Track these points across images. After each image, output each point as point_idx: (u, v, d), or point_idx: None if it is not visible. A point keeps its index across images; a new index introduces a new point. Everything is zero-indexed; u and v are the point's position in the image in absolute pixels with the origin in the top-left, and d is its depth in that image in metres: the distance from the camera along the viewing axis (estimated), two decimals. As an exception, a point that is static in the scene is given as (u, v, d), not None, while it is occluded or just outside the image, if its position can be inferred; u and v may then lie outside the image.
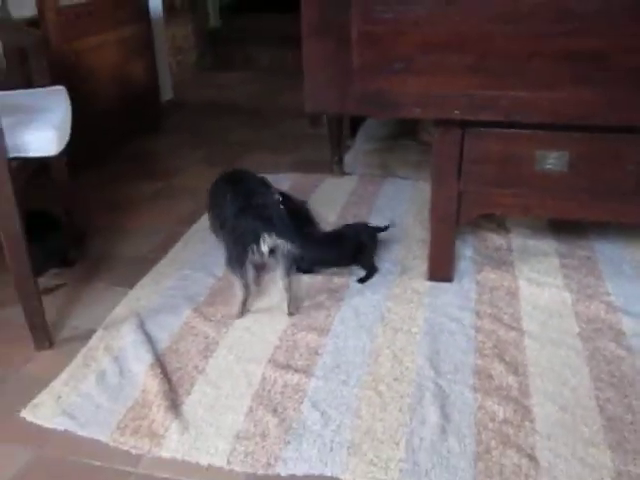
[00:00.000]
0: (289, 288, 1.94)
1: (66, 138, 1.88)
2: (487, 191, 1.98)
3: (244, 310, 1.95)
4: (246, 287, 1.93)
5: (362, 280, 2.12)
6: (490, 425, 1.52)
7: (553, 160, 1.86)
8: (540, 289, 2.04)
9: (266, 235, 1.80)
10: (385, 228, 2.28)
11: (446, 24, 1.68)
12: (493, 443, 1.47)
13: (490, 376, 1.68)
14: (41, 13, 2.82)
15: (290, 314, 1.95)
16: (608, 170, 1.86)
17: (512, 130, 1.86)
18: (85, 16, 3.09)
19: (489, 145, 1.90)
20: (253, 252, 1.82)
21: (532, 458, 1.42)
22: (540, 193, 1.95)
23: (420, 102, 1.78)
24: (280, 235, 1.81)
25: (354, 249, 2.18)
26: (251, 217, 1.83)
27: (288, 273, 1.93)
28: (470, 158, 1.92)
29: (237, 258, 1.86)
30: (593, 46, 1.64)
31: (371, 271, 2.15)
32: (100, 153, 3.16)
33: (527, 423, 1.52)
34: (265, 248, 1.81)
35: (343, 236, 2.23)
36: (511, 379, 1.66)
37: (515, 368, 1.70)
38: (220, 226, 2.00)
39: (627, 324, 1.86)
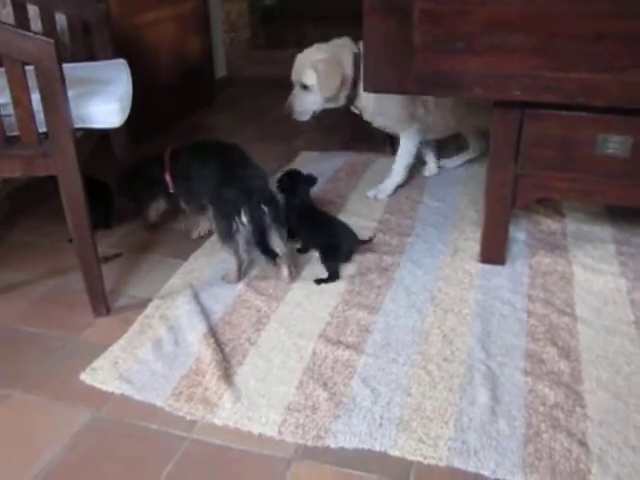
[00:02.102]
0: (287, 255, 1.99)
1: (128, 110, 1.91)
2: (545, 175, 1.95)
3: (240, 275, 2.04)
4: (238, 255, 1.99)
5: (320, 281, 2.02)
6: (540, 409, 1.51)
7: (615, 145, 1.82)
8: (595, 275, 2.01)
9: (246, 206, 1.89)
10: (370, 240, 2.16)
11: (513, 3, 1.65)
12: (543, 426, 1.46)
13: (541, 360, 1.67)
14: (103, -13, 2.87)
15: (291, 281, 2.01)
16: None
17: (573, 113, 1.82)
18: (144, -9, 3.13)
19: (549, 128, 1.87)
20: (236, 223, 1.90)
21: (583, 444, 1.42)
22: (600, 178, 1.91)
23: (481, 82, 1.75)
24: (259, 203, 1.89)
25: (331, 246, 2.10)
26: (233, 189, 1.91)
27: (282, 238, 1.97)
28: (529, 140, 1.89)
29: (226, 231, 1.94)
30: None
31: (333, 276, 2.03)
32: (157, 126, 3.21)
33: (578, 409, 1.51)
34: (245, 218, 1.89)
35: (332, 227, 2.16)
36: (563, 364, 1.65)
37: (567, 353, 1.69)
38: (202, 196, 2.07)
39: (685, 314, 1.82)
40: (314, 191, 2.32)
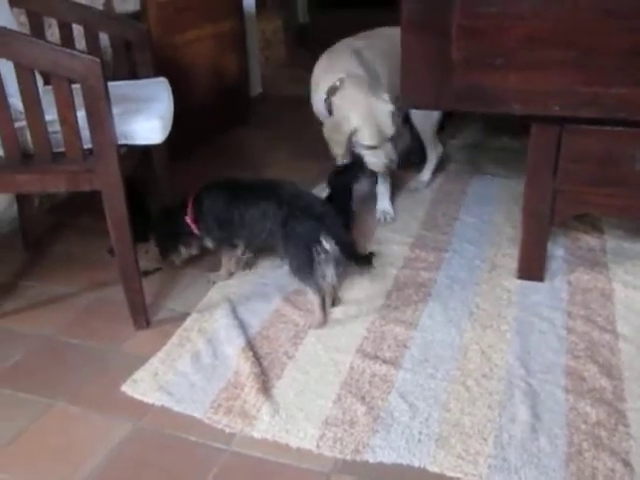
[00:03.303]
0: (336, 284, 1.95)
1: (169, 127, 1.95)
2: (584, 190, 1.93)
3: (327, 315, 1.92)
4: (320, 291, 1.88)
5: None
6: (582, 427, 1.49)
7: (655, 160, 1.80)
8: (636, 292, 1.98)
9: (324, 232, 1.81)
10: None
11: (551, 18, 1.65)
12: (585, 445, 1.44)
13: (582, 378, 1.65)
14: (143, 7, 2.95)
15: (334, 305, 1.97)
16: None
17: (612, 128, 1.81)
18: (184, 11, 3.19)
19: (588, 143, 1.86)
20: (318, 252, 1.81)
21: (627, 463, 1.39)
22: (639, 194, 1.89)
23: (520, 98, 1.76)
24: (333, 231, 1.83)
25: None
26: (304, 219, 1.84)
27: (337, 269, 1.88)
28: (567, 156, 1.88)
29: (305, 264, 1.84)
30: None
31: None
32: (194, 144, 3.25)
33: (621, 427, 1.49)
34: (328, 245, 1.81)
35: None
36: (604, 382, 1.63)
37: (609, 371, 1.66)
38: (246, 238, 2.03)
39: None
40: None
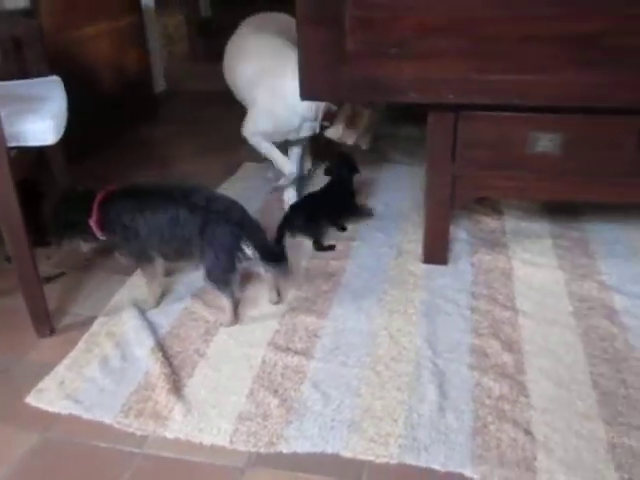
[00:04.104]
0: (274, 280, 1.96)
1: (62, 127, 1.89)
2: (481, 174, 2.00)
3: (237, 316, 1.90)
4: (234, 297, 1.88)
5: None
6: (487, 401, 1.55)
7: (546, 142, 1.88)
8: (534, 269, 2.07)
9: (245, 238, 1.77)
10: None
11: (440, 8, 1.70)
12: (490, 418, 1.50)
13: (486, 354, 1.71)
14: (34, 3, 2.82)
15: (276, 303, 1.96)
16: (601, 152, 1.89)
17: (505, 113, 1.88)
18: (78, 6, 3.09)
19: (482, 128, 1.93)
20: (240, 259, 1.78)
21: (528, 432, 1.46)
22: (534, 175, 1.98)
23: (415, 87, 1.80)
24: (253, 236, 1.79)
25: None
26: (223, 224, 1.78)
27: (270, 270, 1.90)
28: (464, 142, 1.95)
29: (224, 270, 1.80)
30: (589, 29, 1.66)
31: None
32: (96, 143, 3.16)
33: (523, 399, 1.56)
34: (250, 251, 1.78)
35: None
36: (506, 357, 1.70)
37: (510, 346, 1.74)
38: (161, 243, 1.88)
39: (619, 302, 1.90)
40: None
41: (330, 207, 2.38)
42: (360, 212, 2.48)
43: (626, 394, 1.56)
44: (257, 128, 2.43)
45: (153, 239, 1.86)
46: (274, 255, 1.85)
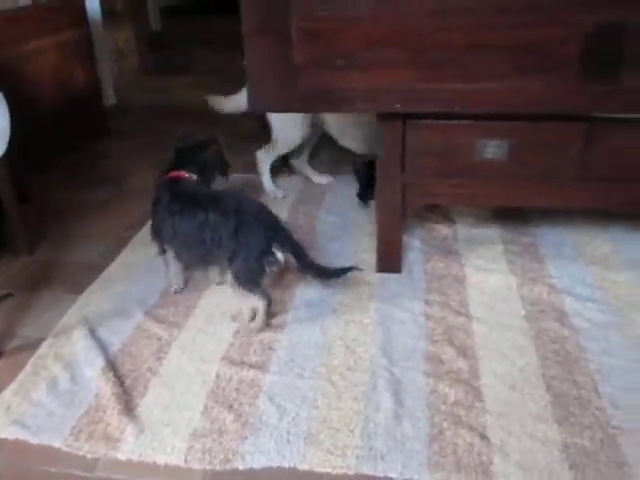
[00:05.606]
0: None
1: (5, 144, 1.84)
2: (431, 182, 2.02)
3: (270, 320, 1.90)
4: (267, 297, 1.85)
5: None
6: (442, 407, 1.56)
7: (493, 149, 1.91)
8: (486, 275, 2.10)
9: (277, 242, 1.79)
10: None
11: (385, 20, 1.71)
12: (445, 424, 1.51)
13: (441, 361, 1.72)
14: (-27, 19, 2.76)
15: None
16: (548, 157, 1.93)
17: (452, 121, 1.91)
18: (21, 21, 3.03)
19: (429, 136, 1.95)
20: (270, 263, 1.79)
21: (484, 437, 1.47)
22: (482, 182, 2.00)
23: (363, 97, 1.81)
24: (284, 239, 1.82)
25: None
26: (255, 228, 1.78)
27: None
28: (412, 150, 1.97)
29: (253, 273, 1.79)
30: (531, 37, 1.69)
31: None
32: (44, 159, 3.10)
33: (478, 403, 1.57)
34: (280, 255, 1.79)
35: None
36: (461, 362, 1.71)
37: (464, 352, 1.75)
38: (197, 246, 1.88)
39: (569, 304, 1.93)
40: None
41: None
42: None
43: (577, 395, 1.58)
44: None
45: (174, 241, 1.93)
46: (308, 260, 1.87)
